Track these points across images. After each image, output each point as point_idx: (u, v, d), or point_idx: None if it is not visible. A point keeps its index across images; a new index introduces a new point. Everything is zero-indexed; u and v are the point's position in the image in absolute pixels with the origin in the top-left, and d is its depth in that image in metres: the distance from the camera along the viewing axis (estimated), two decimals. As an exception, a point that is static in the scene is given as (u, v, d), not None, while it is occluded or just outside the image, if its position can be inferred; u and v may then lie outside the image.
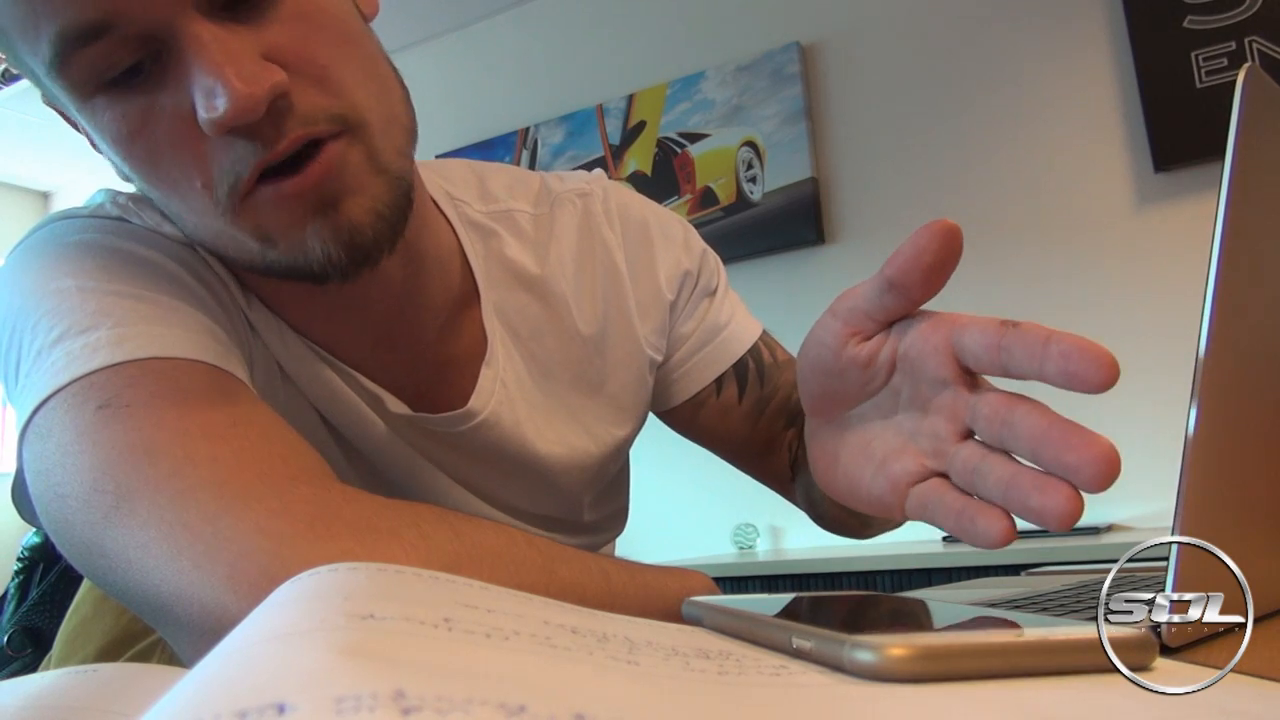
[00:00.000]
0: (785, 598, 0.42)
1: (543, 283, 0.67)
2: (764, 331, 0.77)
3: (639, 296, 0.71)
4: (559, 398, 0.68)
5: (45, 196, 4.40)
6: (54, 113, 0.54)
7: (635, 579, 0.48)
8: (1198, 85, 2.07)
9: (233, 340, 0.52)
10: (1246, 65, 0.39)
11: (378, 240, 0.50)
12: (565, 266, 0.69)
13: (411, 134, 0.56)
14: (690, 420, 0.78)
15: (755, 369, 0.75)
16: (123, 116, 0.46)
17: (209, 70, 0.44)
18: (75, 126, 0.54)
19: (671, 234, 0.73)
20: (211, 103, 0.44)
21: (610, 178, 0.76)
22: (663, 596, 0.49)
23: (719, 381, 0.75)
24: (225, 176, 0.47)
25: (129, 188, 0.59)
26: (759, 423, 0.76)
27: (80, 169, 4.15)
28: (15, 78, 3.33)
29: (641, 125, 2.81)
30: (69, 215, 0.55)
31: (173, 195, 0.49)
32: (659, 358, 0.74)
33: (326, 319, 0.59)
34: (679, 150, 2.75)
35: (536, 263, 0.68)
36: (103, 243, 0.52)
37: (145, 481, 0.41)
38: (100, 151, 0.53)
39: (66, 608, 0.84)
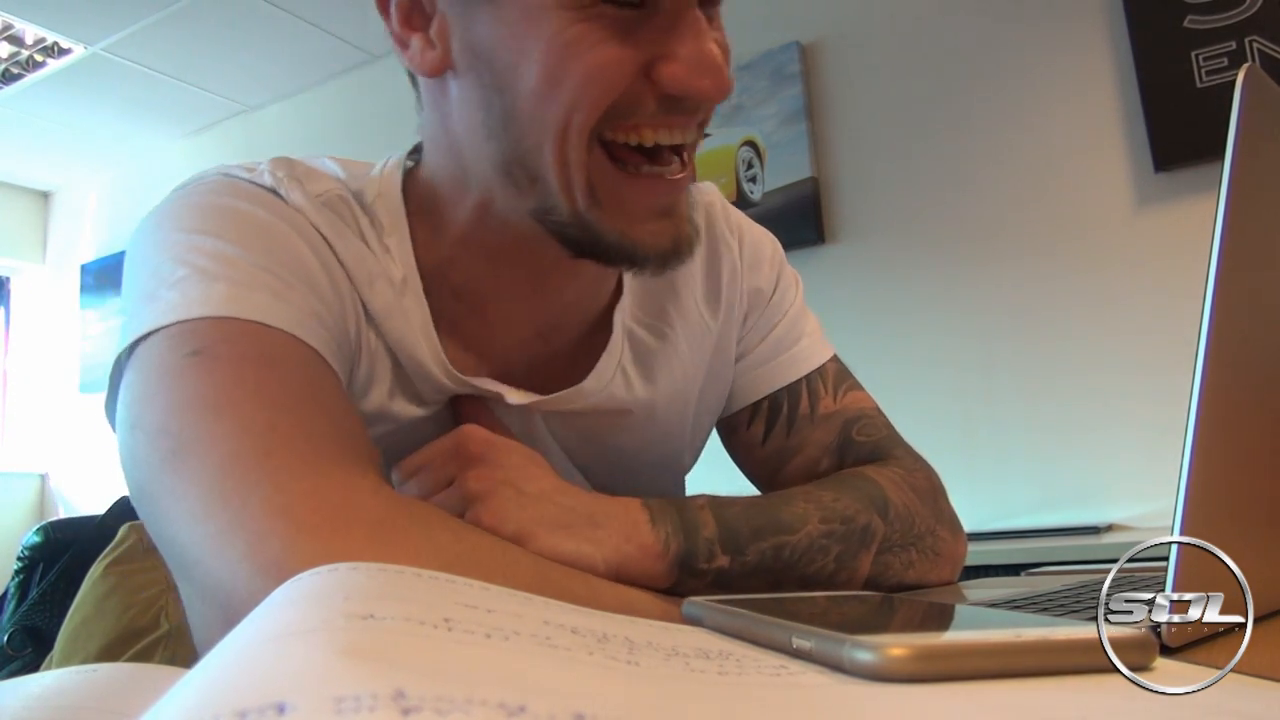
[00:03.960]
0: (785, 598, 0.42)
1: (675, 293, 0.70)
2: (823, 369, 0.75)
3: (742, 304, 0.74)
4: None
5: (45, 196, 4.41)
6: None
7: (621, 595, 0.49)
8: (1198, 85, 2.07)
9: (336, 329, 0.55)
10: (1246, 65, 0.39)
11: (681, 259, 0.57)
12: (695, 275, 0.71)
13: None
14: (725, 440, 0.78)
15: (786, 414, 0.74)
16: (597, 29, 0.50)
17: (707, 51, 0.51)
18: (386, 11, 0.56)
19: (762, 250, 0.76)
20: (700, 74, 0.51)
21: None
22: (646, 616, 0.49)
23: (753, 410, 0.75)
24: (616, 116, 0.52)
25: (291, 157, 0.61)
26: (778, 475, 0.74)
27: (80, 169, 4.15)
28: (15, 77, 3.32)
29: (641, 125, 2.81)
30: (230, 174, 0.57)
31: (554, 112, 0.51)
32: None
33: (502, 300, 0.61)
34: (679, 150, 2.75)
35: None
36: (248, 211, 0.54)
37: (202, 436, 0.42)
38: (404, 44, 0.56)
39: (66, 608, 0.84)
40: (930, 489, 0.70)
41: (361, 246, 0.58)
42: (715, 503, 0.56)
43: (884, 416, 0.76)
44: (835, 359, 0.77)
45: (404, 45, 0.56)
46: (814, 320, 0.78)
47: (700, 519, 0.54)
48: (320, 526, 0.39)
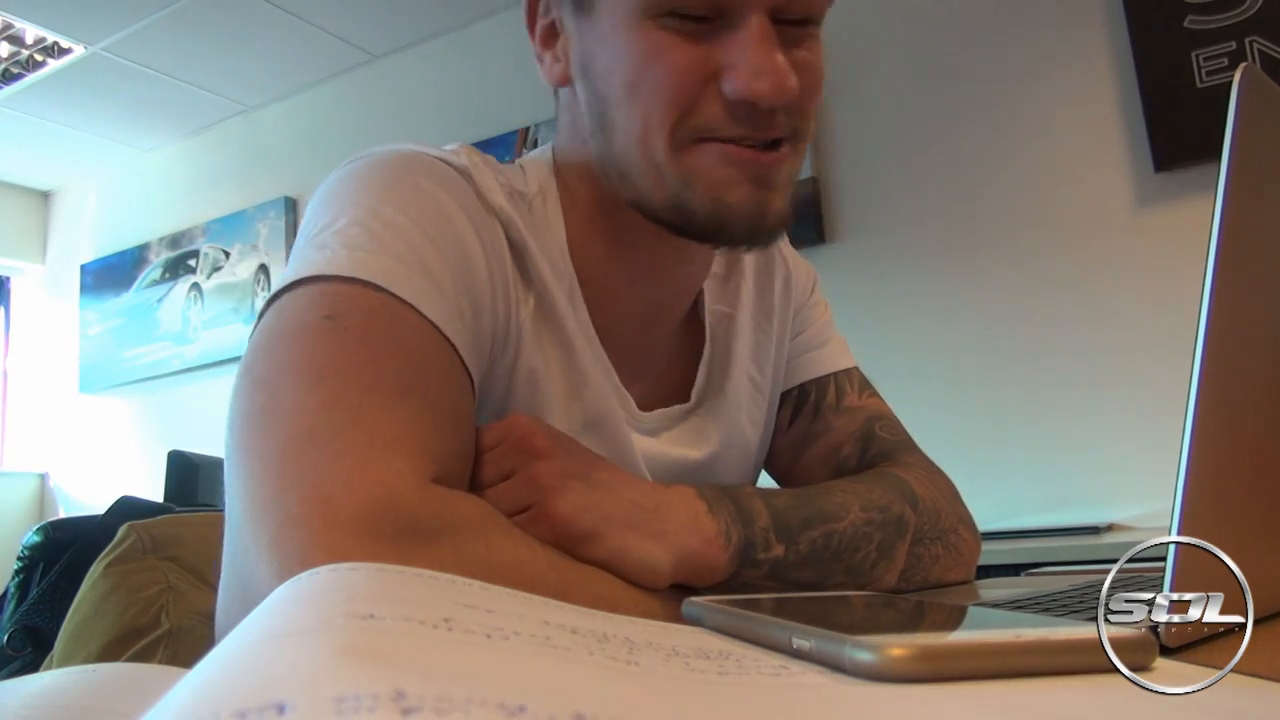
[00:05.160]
0: (785, 598, 0.42)
1: (743, 287, 0.76)
2: (849, 372, 0.80)
3: (794, 304, 0.79)
4: (752, 387, 0.75)
5: (45, 196, 4.41)
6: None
7: (639, 606, 0.49)
8: (1198, 85, 2.07)
9: (484, 324, 0.56)
10: (1243, 65, 0.39)
11: (770, 232, 0.60)
12: (752, 271, 0.76)
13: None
14: None
15: (814, 401, 0.78)
16: (664, 39, 0.55)
17: (766, 56, 0.54)
18: (533, 32, 0.64)
19: (799, 266, 0.82)
20: (757, 79, 0.54)
21: None
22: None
23: (781, 398, 0.79)
24: (695, 123, 0.56)
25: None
26: (800, 458, 0.78)
27: (80, 169, 4.15)
28: (15, 77, 3.32)
29: (641, 125, 2.81)
30: (428, 152, 0.59)
31: (635, 115, 0.57)
32: None
33: (618, 295, 0.65)
34: (679, 150, 2.74)
35: (730, 269, 0.76)
36: (432, 193, 0.56)
37: (292, 401, 0.43)
38: (539, 55, 0.64)
39: (66, 607, 0.84)
40: (951, 490, 0.72)
41: (534, 237, 0.61)
42: (762, 492, 0.57)
43: (901, 424, 0.79)
44: (859, 369, 0.82)
45: (540, 61, 0.64)
46: (841, 337, 0.83)
47: (754, 507, 0.55)
48: (349, 523, 0.39)
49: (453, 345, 0.51)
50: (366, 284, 0.48)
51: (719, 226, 0.58)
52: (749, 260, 0.76)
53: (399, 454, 0.43)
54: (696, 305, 0.73)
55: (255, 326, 0.50)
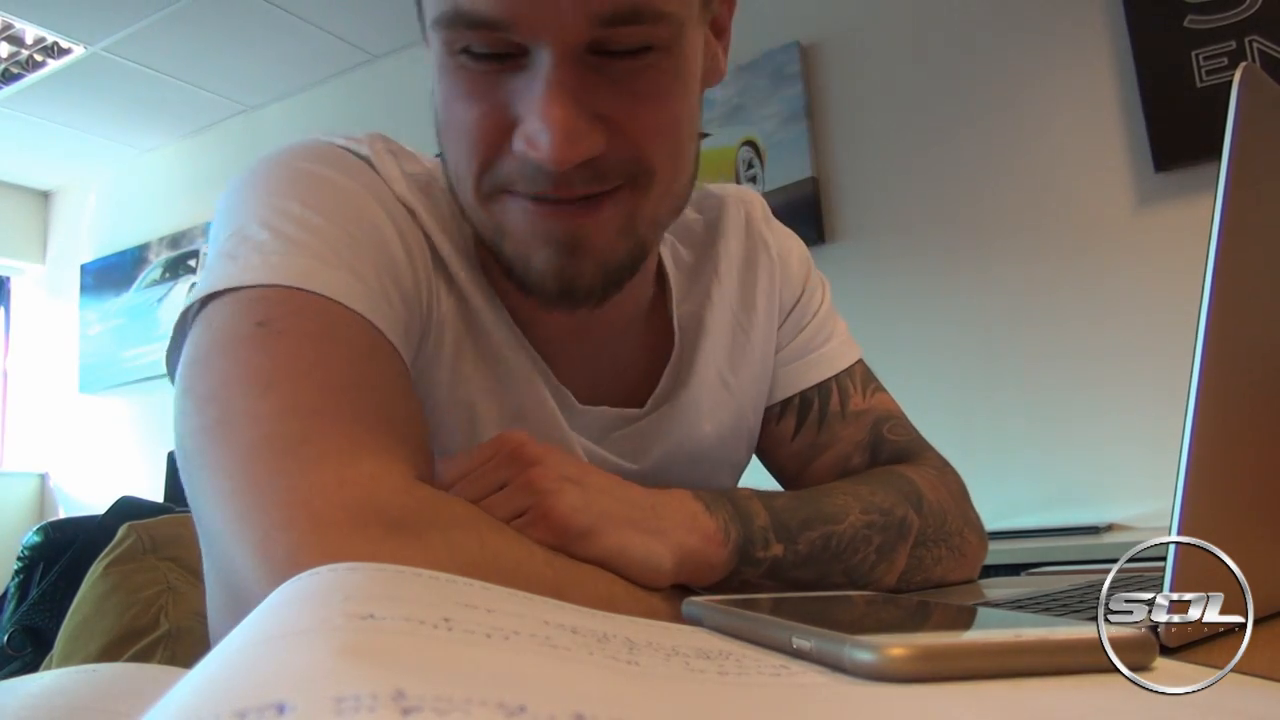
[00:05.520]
0: (785, 597, 0.42)
1: (714, 286, 0.72)
2: (851, 370, 0.77)
3: (782, 298, 0.76)
4: (721, 388, 0.72)
5: (45, 196, 4.41)
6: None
7: (639, 604, 0.48)
8: (1198, 85, 2.07)
9: (409, 306, 0.55)
10: (1243, 64, 0.39)
11: (590, 293, 0.55)
12: (732, 265, 0.73)
13: (679, 207, 0.59)
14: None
15: (818, 410, 0.75)
16: (462, 81, 0.51)
17: (548, 117, 0.47)
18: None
19: (790, 254, 0.78)
20: (535, 141, 0.48)
21: None
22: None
23: (783, 406, 0.76)
24: (496, 177, 0.52)
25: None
26: (808, 469, 0.75)
27: (80, 169, 4.15)
28: (15, 77, 3.32)
29: (641, 125, 2.80)
30: (328, 141, 0.58)
31: (451, 158, 0.54)
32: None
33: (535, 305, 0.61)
34: (679, 150, 2.74)
35: (702, 264, 0.73)
36: (335, 180, 0.55)
37: (246, 412, 0.43)
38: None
39: (66, 607, 0.84)
40: (960, 490, 0.71)
41: (442, 229, 0.59)
42: (760, 494, 0.57)
43: (909, 420, 0.77)
44: (862, 361, 0.78)
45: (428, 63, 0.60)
46: (842, 323, 0.80)
47: (752, 508, 0.55)
48: (336, 523, 0.39)
49: (386, 336, 0.50)
50: (288, 288, 0.47)
51: (530, 288, 0.55)
52: (727, 256, 0.73)
53: (369, 454, 0.42)
54: (667, 306, 0.70)
55: (182, 346, 0.49)
